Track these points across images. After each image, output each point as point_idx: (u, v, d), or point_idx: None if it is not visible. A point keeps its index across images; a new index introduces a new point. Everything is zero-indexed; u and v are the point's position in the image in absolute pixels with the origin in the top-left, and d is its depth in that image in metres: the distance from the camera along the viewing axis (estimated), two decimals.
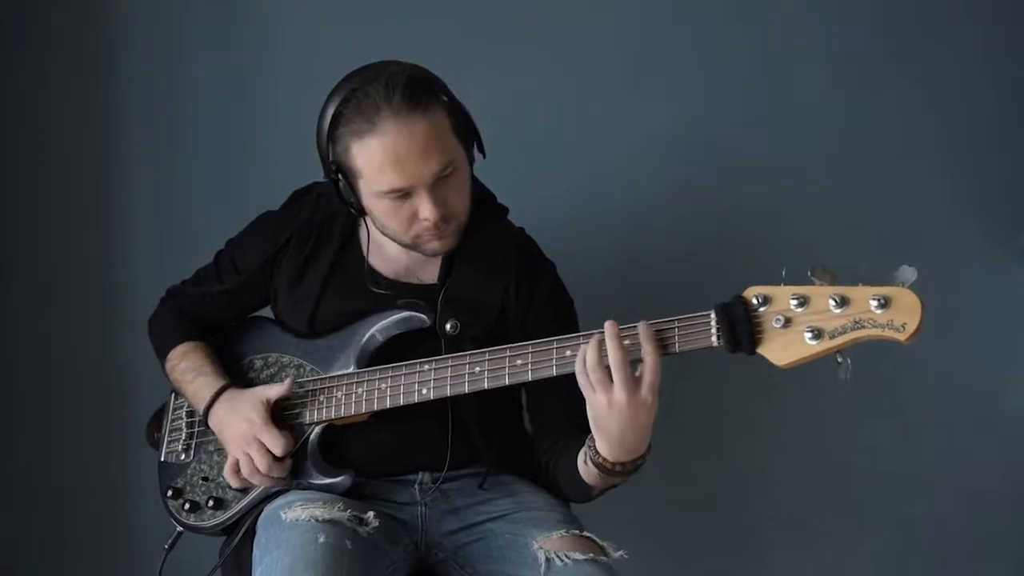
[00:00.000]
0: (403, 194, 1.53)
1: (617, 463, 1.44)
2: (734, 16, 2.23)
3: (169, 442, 1.77)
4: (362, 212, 1.61)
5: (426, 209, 1.53)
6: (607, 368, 1.37)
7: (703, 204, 2.24)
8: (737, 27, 2.23)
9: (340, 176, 1.56)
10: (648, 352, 1.36)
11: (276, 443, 1.57)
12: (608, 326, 1.38)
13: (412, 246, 1.61)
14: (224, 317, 1.80)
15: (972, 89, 2.23)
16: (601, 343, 1.38)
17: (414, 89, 1.50)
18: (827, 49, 2.24)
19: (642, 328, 1.37)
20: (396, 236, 1.60)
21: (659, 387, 1.37)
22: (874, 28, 2.23)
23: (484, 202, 1.70)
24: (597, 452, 1.44)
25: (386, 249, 1.69)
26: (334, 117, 1.53)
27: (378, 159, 1.50)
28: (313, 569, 1.40)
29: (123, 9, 2.25)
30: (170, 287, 1.85)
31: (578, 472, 1.52)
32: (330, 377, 1.64)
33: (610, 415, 1.37)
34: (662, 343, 1.38)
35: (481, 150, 1.63)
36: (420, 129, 1.49)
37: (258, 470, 1.58)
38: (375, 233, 1.68)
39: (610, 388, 1.36)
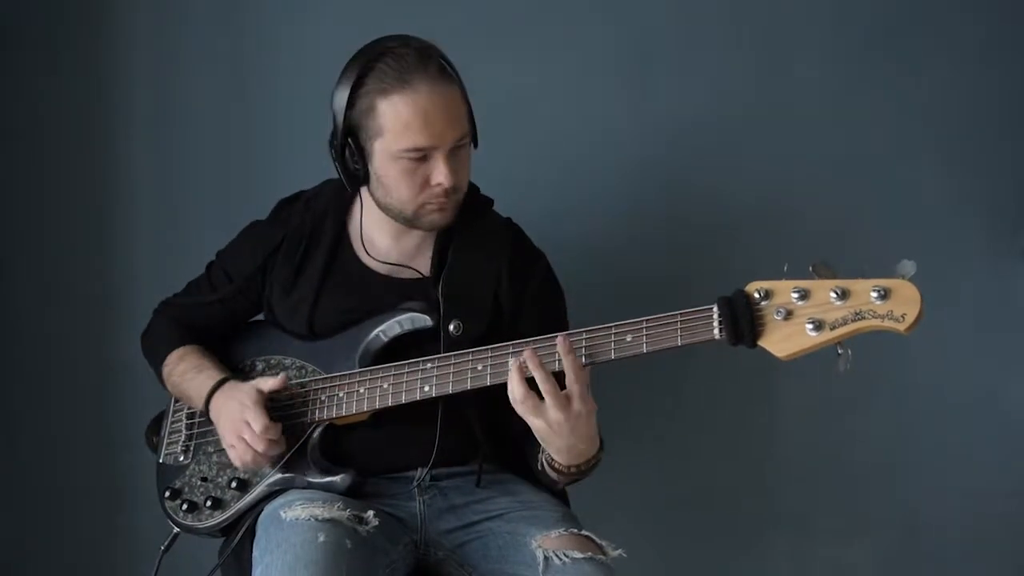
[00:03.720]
0: (421, 156, 1.56)
1: (572, 466, 1.51)
2: (734, 15, 2.23)
3: (168, 444, 1.77)
4: (365, 181, 1.62)
5: (440, 174, 1.57)
6: (535, 395, 1.42)
7: (703, 203, 2.24)
8: (737, 26, 2.23)
9: (349, 141, 1.59)
10: (567, 365, 1.42)
11: (257, 420, 1.57)
12: (528, 354, 1.44)
13: (412, 217, 1.63)
14: (217, 327, 1.80)
15: (972, 89, 2.23)
16: (522, 372, 1.43)
17: (445, 63, 1.58)
18: (827, 49, 2.24)
19: (560, 343, 1.43)
20: (401, 203, 1.61)
21: (589, 393, 1.42)
22: (874, 28, 2.23)
23: (470, 194, 1.72)
24: (552, 458, 1.51)
25: (378, 242, 1.70)
26: (361, 76, 1.56)
27: (405, 116, 1.54)
28: (313, 568, 1.40)
29: (123, 9, 2.25)
30: (162, 300, 1.86)
31: (540, 470, 1.58)
32: (331, 376, 1.64)
33: (552, 433, 1.44)
34: (661, 338, 1.40)
35: (475, 142, 1.66)
36: (449, 96, 1.56)
37: (256, 450, 1.57)
38: (367, 226, 1.70)
39: (544, 411, 1.42)
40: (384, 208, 1.65)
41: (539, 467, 1.58)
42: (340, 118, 1.59)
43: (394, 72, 1.54)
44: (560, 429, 1.43)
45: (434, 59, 1.56)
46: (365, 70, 1.56)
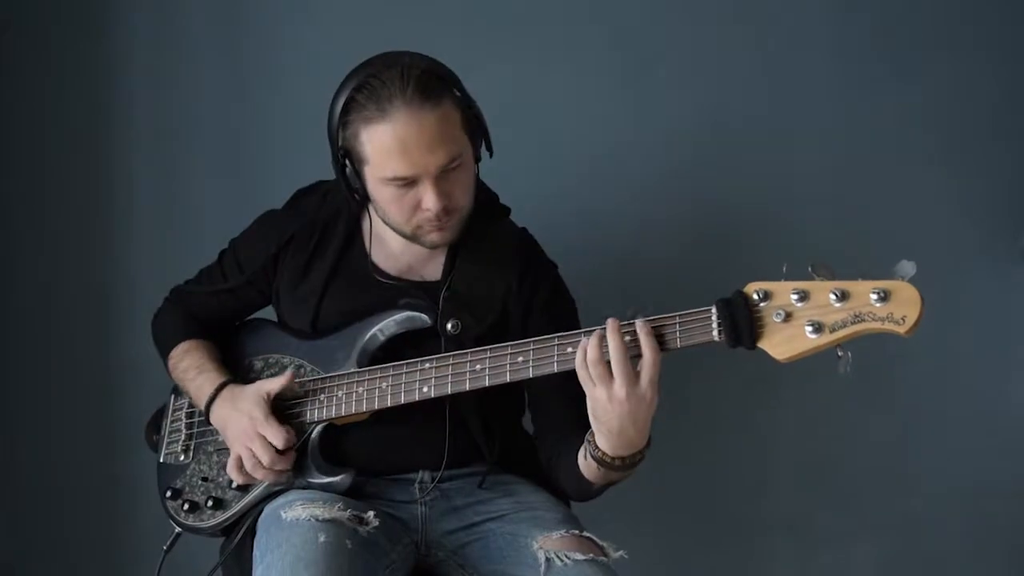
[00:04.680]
0: (407, 182, 1.54)
1: (616, 457, 1.44)
2: (734, 15, 2.24)
3: (168, 443, 1.77)
4: (366, 199, 1.62)
5: (429, 200, 1.54)
6: (607, 363, 1.38)
7: (703, 204, 2.24)
8: (737, 27, 2.24)
9: (347, 162, 1.58)
10: (647, 347, 1.37)
11: (277, 437, 1.57)
12: (609, 322, 1.40)
13: (412, 236, 1.61)
14: (228, 316, 1.80)
15: (972, 89, 2.23)
16: (602, 338, 1.39)
17: (428, 82, 1.52)
18: (827, 49, 2.24)
19: (639, 325, 1.39)
20: (397, 225, 1.61)
21: (658, 383, 1.38)
22: (874, 27, 2.24)
23: (487, 203, 1.72)
24: (597, 447, 1.44)
25: (389, 246, 1.70)
26: (347, 102, 1.54)
27: (386, 146, 1.51)
28: (314, 568, 1.40)
29: (123, 9, 2.25)
30: (174, 287, 1.86)
31: (578, 468, 1.52)
32: (331, 376, 1.64)
33: (610, 409, 1.38)
34: (661, 340, 1.39)
35: (489, 148, 1.64)
36: (430, 121, 1.51)
37: (261, 464, 1.58)
38: (378, 229, 1.69)
39: (610, 383, 1.37)
40: (387, 225, 1.64)
41: (583, 458, 1.51)
42: (335, 141, 1.58)
43: (373, 100, 1.51)
44: (620, 406, 1.37)
45: (414, 82, 1.50)
46: (351, 96, 1.53)
